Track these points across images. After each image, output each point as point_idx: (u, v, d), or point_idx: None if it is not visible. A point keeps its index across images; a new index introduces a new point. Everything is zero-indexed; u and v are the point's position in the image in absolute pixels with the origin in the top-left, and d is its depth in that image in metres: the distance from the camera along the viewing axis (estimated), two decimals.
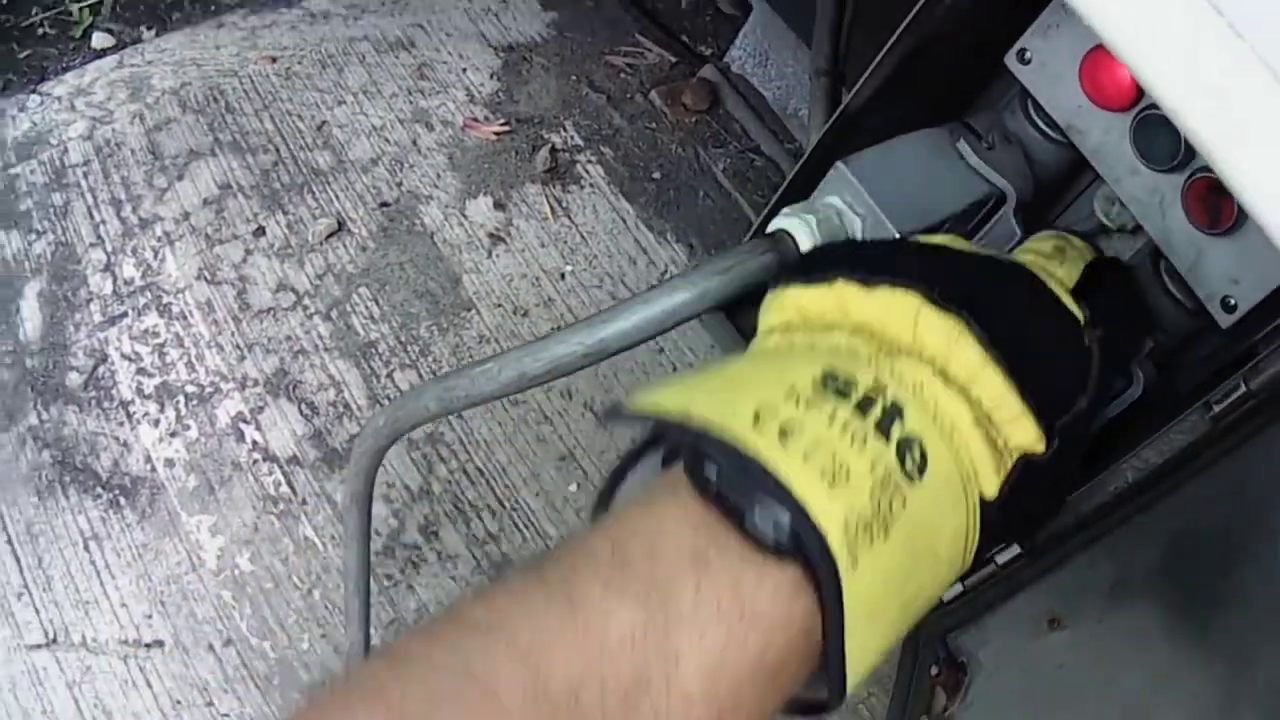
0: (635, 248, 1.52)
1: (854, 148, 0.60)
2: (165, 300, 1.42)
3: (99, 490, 1.29)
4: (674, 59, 1.72)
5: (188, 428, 1.34)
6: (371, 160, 1.56)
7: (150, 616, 1.22)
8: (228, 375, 1.37)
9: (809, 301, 0.48)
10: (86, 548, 1.26)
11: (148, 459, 1.31)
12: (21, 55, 1.67)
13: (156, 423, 1.34)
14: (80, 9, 1.70)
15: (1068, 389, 0.48)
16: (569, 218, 1.54)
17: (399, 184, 1.54)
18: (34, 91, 1.61)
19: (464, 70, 1.68)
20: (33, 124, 1.57)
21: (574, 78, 1.69)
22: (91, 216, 1.49)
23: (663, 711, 0.36)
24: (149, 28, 1.72)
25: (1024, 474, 0.45)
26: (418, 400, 0.62)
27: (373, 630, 1.07)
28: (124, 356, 1.38)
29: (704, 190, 1.59)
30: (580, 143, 1.61)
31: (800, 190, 0.64)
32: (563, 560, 0.39)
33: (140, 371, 1.37)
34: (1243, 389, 0.51)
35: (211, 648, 1.21)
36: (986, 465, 0.44)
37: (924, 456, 0.41)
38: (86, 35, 1.69)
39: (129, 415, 1.34)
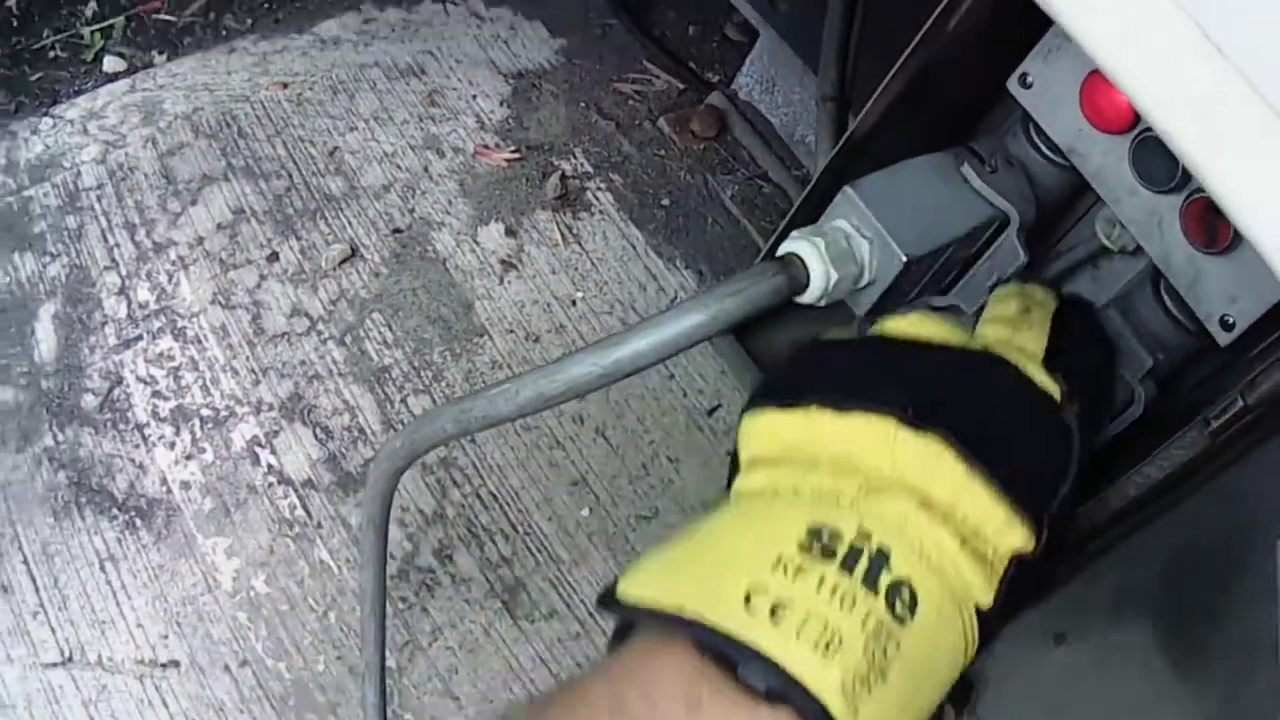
0: (645, 274, 1.54)
1: (860, 172, 0.61)
2: (180, 324, 1.44)
3: (115, 511, 1.31)
4: (682, 86, 1.75)
5: (203, 451, 1.35)
6: (384, 186, 1.58)
7: (166, 637, 1.23)
8: (242, 399, 1.39)
9: (786, 430, 0.49)
10: (103, 568, 1.27)
11: (163, 481, 1.33)
12: (33, 78, 1.68)
13: (172, 445, 1.35)
14: (92, 32, 1.72)
15: (1054, 478, 0.48)
16: (579, 244, 1.56)
17: (411, 210, 1.56)
18: (46, 114, 1.63)
19: (474, 97, 1.70)
20: (45, 147, 1.59)
21: (583, 104, 1.71)
22: (105, 240, 1.51)
23: None
24: (160, 52, 1.74)
25: (1018, 571, 0.46)
26: (434, 422, 0.62)
27: (387, 653, 1.08)
28: (139, 379, 1.40)
29: (712, 216, 1.61)
30: (590, 170, 1.63)
31: (808, 215, 0.64)
32: (562, 704, 0.41)
33: (155, 394, 1.39)
34: (1240, 404, 0.51)
35: (227, 668, 1.22)
36: (979, 580, 0.44)
37: (913, 596, 0.41)
38: (98, 59, 1.71)
39: (144, 438, 1.36)
